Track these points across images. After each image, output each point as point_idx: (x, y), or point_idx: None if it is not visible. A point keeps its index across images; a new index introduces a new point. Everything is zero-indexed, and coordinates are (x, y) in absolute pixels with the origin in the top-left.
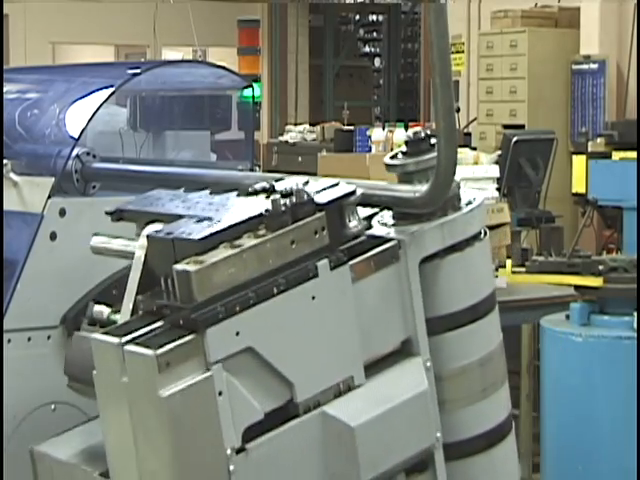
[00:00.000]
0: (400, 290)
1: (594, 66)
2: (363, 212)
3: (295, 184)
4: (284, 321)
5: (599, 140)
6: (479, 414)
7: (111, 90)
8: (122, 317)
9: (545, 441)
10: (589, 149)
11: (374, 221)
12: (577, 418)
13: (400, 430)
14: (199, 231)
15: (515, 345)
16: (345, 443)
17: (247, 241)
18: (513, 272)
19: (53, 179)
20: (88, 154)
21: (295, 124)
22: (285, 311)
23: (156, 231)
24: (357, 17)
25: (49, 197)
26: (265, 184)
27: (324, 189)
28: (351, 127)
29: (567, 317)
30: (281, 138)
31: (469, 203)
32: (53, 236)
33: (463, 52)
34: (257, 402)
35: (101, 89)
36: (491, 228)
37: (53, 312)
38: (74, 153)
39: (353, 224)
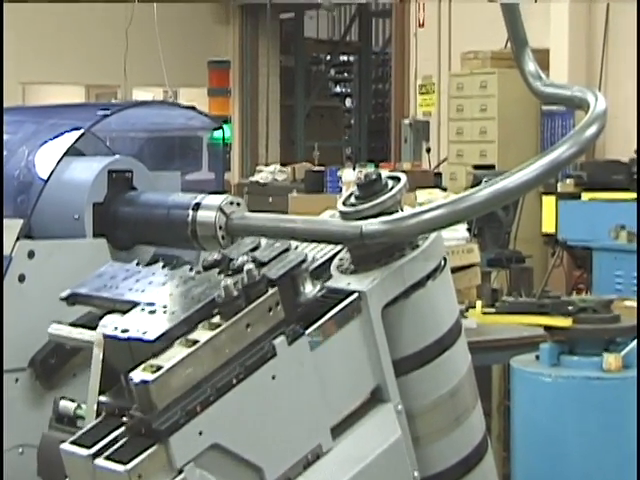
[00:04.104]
0: (365, 340)
1: (563, 107)
2: (323, 252)
3: (245, 260)
4: (246, 408)
5: (568, 181)
6: (455, 443)
7: (80, 132)
8: (87, 417)
9: None
10: (558, 190)
11: (333, 267)
12: (547, 458)
13: None
14: (153, 328)
15: (485, 386)
16: None
17: (202, 334)
18: (483, 313)
19: (22, 221)
20: (232, 203)
21: (266, 164)
22: (246, 398)
23: (113, 327)
24: (328, 57)
25: (17, 239)
26: (217, 256)
27: (274, 258)
28: (322, 168)
29: (537, 357)
30: (252, 178)
31: (425, 238)
32: (22, 278)
33: (434, 92)
34: None
35: (70, 131)
36: (461, 268)
37: (21, 354)
38: (219, 204)
39: (308, 289)
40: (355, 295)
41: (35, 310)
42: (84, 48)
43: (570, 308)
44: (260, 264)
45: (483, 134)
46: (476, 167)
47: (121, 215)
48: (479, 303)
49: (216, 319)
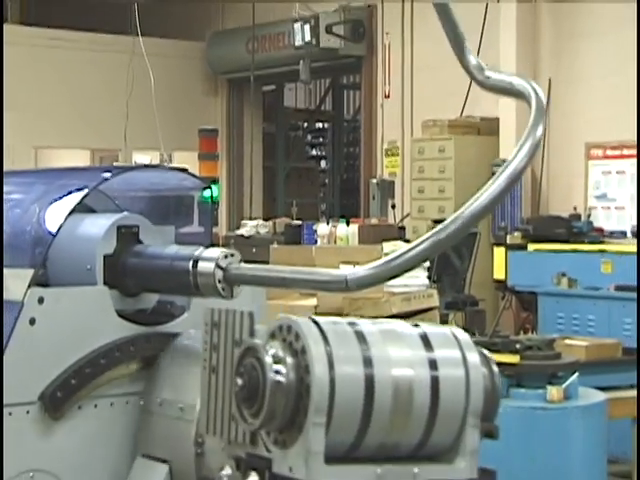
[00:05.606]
0: None
1: None
2: None
3: None
4: None
5: (516, 234)
6: None
7: (85, 192)
8: None
9: None
10: (508, 241)
11: None
12: None
13: None
14: None
15: None
16: None
17: None
18: None
19: (32, 270)
20: (227, 256)
21: (250, 219)
22: None
23: None
24: (305, 124)
25: (29, 286)
26: None
27: None
28: (299, 222)
29: None
30: (237, 231)
31: None
32: (32, 321)
33: (398, 155)
34: None
35: (76, 190)
36: (422, 311)
37: (32, 389)
38: (217, 260)
39: None
40: None
41: (44, 350)
42: (90, 117)
43: (518, 346)
44: None
45: (441, 192)
46: (435, 221)
47: (129, 265)
48: None
49: None
